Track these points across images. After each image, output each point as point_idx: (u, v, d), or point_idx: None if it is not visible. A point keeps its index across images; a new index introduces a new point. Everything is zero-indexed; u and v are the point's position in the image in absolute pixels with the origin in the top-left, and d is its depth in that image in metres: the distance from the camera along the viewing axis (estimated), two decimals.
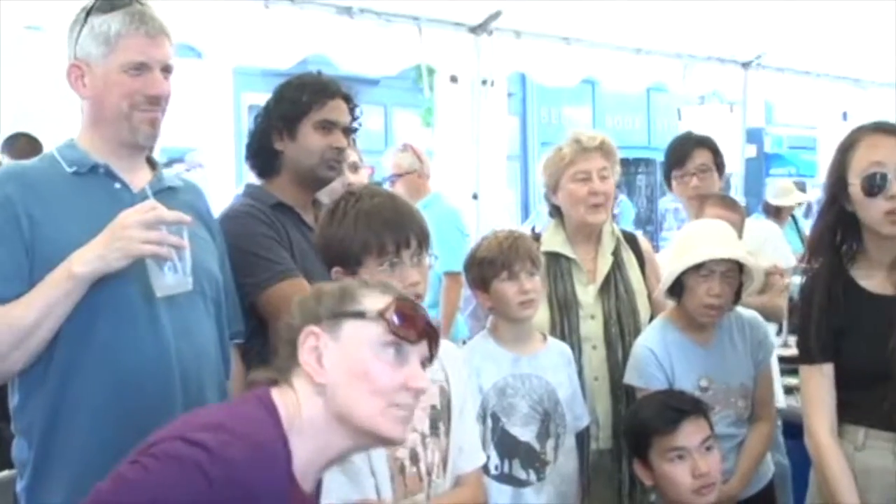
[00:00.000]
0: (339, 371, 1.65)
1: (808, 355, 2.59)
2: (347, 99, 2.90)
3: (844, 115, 8.37)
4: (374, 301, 1.70)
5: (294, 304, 1.77)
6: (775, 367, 3.78)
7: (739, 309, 3.14)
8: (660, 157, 20.76)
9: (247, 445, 1.53)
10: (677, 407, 2.69)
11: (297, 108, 2.82)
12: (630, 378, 3.05)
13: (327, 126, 2.83)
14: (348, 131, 2.91)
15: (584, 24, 6.03)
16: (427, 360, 1.74)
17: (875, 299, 2.51)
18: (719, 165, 4.02)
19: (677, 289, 2.98)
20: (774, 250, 3.94)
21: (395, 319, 1.67)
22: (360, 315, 1.68)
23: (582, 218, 3.26)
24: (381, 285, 1.77)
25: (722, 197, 3.90)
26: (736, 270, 2.96)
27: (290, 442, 1.62)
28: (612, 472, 3.18)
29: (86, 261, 2.09)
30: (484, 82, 5.88)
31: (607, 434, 3.18)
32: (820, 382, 2.55)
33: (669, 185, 4.12)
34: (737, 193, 7.88)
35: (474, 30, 5.71)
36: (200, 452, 1.49)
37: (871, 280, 2.54)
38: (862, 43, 7.18)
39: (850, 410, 2.52)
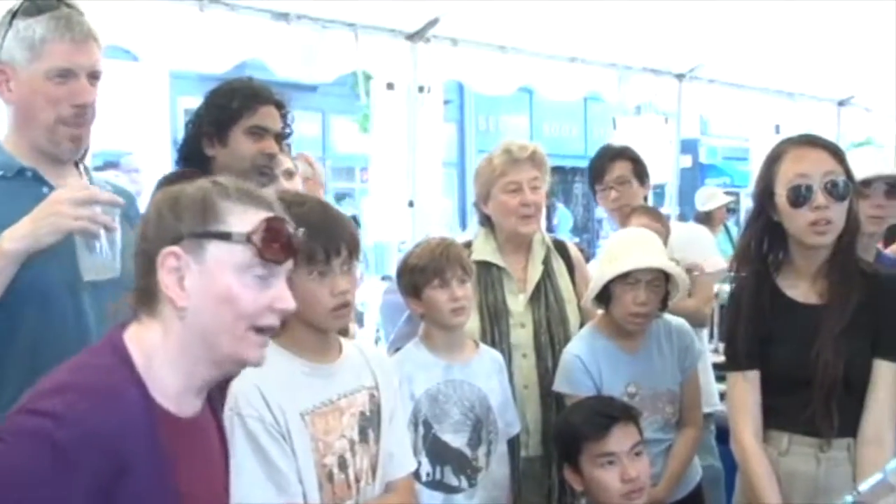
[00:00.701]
0: (202, 295, 1.57)
1: (734, 362, 2.64)
2: (279, 105, 2.89)
3: (777, 128, 8.50)
4: (239, 220, 1.60)
5: (151, 211, 1.65)
6: (711, 371, 3.84)
7: (667, 316, 3.18)
8: None
9: (91, 397, 1.47)
10: (608, 413, 2.71)
11: (228, 114, 2.81)
12: (559, 385, 3.07)
13: (258, 132, 2.81)
14: (280, 137, 2.90)
15: (520, 33, 6.05)
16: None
17: (799, 308, 2.57)
18: (640, 175, 4.06)
19: (605, 297, 3.01)
20: (700, 251, 3.95)
21: (263, 242, 1.59)
22: (226, 237, 1.59)
23: (513, 228, 3.28)
24: (239, 193, 1.65)
25: (646, 208, 3.95)
26: (662, 279, 3.00)
27: (151, 375, 1.56)
28: (541, 479, 3.20)
29: (16, 237, 2.05)
30: (420, 89, 5.89)
31: (537, 441, 3.19)
32: (746, 389, 2.60)
33: (597, 201, 4.19)
34: (670, 203, 8.01)
35: (411, 37, 5.70)
36: (47, 421, 1.44)
37: (796, 289, 2.59)
38: (794, 57, 7.33)
39: (775, 416, 2.58)
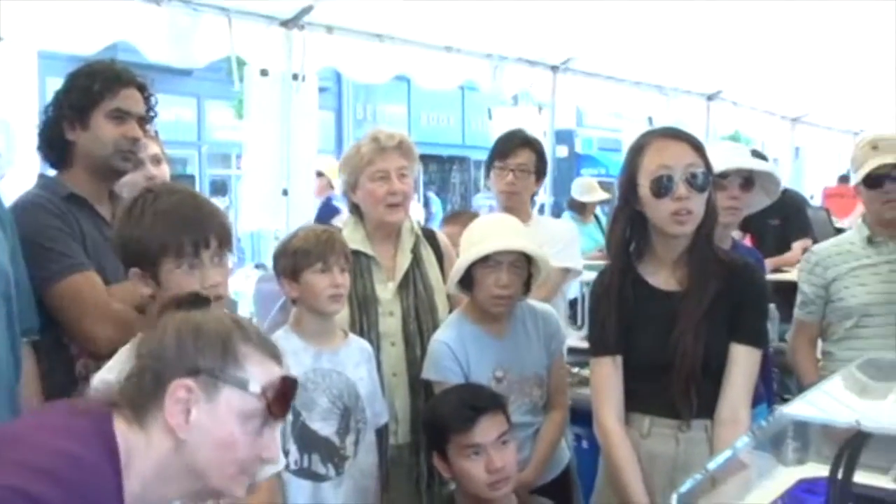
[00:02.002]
0: (204, 433, 1.60)
1: (598, 347, 2.69)
2: (142, 87, 2.81)
3: (650, 120, 8.69)
4: (258, 370, 1.65)
5: (170, 333, 1.67)
6: None
7: (532, 301, 3.23)
8: (473, 155, 21.23)
9: (72, 498, 1.45)
10: (474, 405, 2.73)
11: (89, 96, 2.71)
12: (427, 373, 3.09)
13: (120, 116, 2.73)
14: (144, 121, 2.83)
15: (396, 22, 6.05)
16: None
17: (660, 294, 2.63)
18: (539, 170, 4.05)
19: (468, 282, 3.03)
20: (556, 254, 3.96)
21: (275, 399, 1.64)
22: (243, 385, 1.63)
23: (381, 217, 3.28)
24: (259, 340, 1.71)
25: (459, 214, 3.90)
26: (523, 261, 3.03)
27: (125, 474, 1.55)
28: (410, 466, 3.21)
29: None
30: (295, 77, 5.82)
31: (406, 429, 3.20)
32: (609, 373, 2.65)
33: (489, 175, 4.11)
34: (545, 192, 8.11)
35: (285, 24, 5.62)
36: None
37: (657, 276, 2.66)
38: (666, 53, 7.51)
39: (637, 400, 2.64)
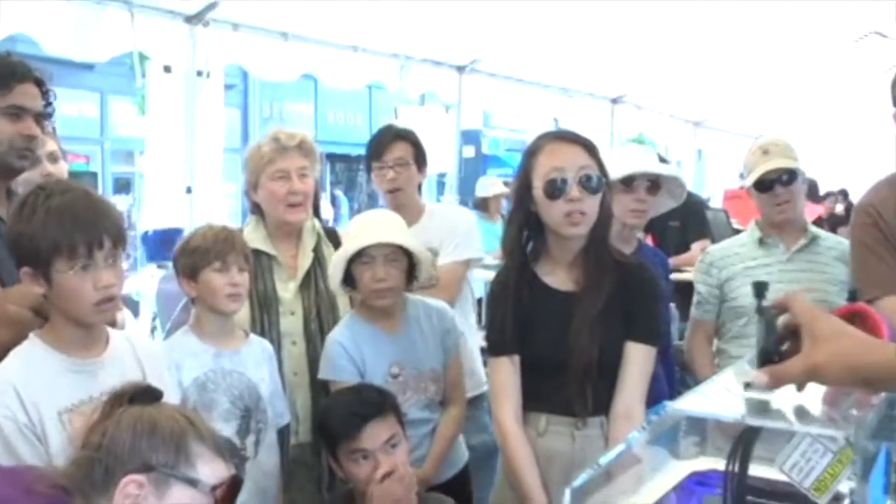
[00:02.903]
0: None
1: (496, 347, 2.71)
2: (39, 82, 2.72)
3: (556, 122, 8.80)
4: (208, 469, 1.69)
5: (124, 428, 1.70)
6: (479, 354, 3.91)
7: (427, 299, 3.25)
8: None
9: None
10: (359, 412, 2.73)
11: None
12: (323, 373, 3.08)
13: (16, 112, 2.63)
14: (41, 117, 2.75)
15: (302, 20, 6.02)
16: None
17: (557, 294, 2.67)
18: (419, 160, 3.94)
19: (351, 280, 3.04)
20: (459, 242, 3.88)
21: (223, 498, 1.69)
22: (193, 484, 1.66)
23: (281, 216, 3.26)
24: (212, 441, 1.74)
25: None
26: (400, 253, 3.03)
27: None
28: (312, 465, 3.20)
29: None
30: (199, 73, 5.73)
31: (307, 428, 3.19)
32: (507, 373, 2.67)
33: (371, 179, 4.01)
34: (451, 192, 8.16)
35: (190, 19, 5.54)
36: None
37: (554, 276, 2.69)
38: (571, 56, 7.62)
39: (534, 398, 2.67)
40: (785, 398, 1.37)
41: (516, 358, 2.67)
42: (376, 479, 2.68)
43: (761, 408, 1.32)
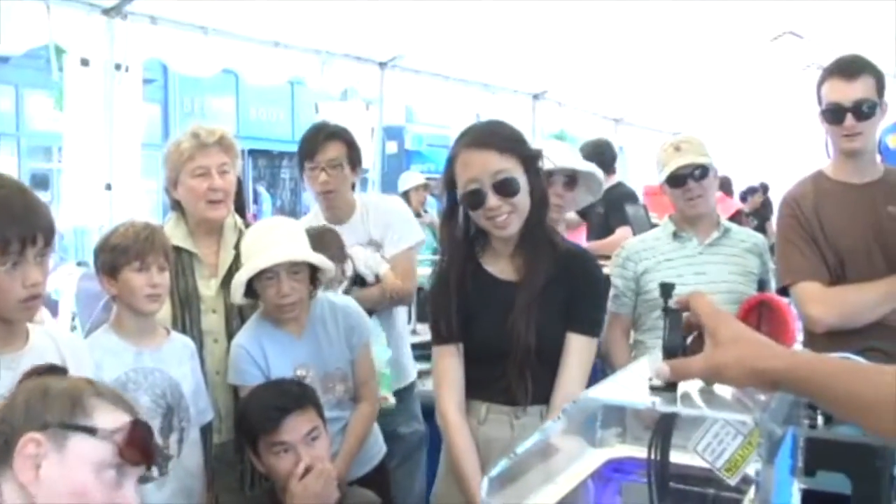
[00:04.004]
0: (56, 486, 1.58)
1: (440, 336, 2.74)
2: None
3: (478, 117, 8.84)
4: (106, 418, 1.64)
5: (20, 397, 1.66)
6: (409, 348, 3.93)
7: (332, 296, 3.27)
8: None
9: None
10: (279, 405, 2.74)
11: None
12: (231, 377, 3.09)
13: None
14: None
15: (222, 15, 5.97)
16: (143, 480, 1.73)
17: (498, 283, 2.70)
18: (353, 160, 3.85)
19: (253, 292, 3.04)
20: (402, 228, 3.94)
21: (126, 442, 1.64)
22: (92, 432, 1.62)
23: (202, 213, 3.24)
24: (112, 396, 1.71)
25: (315, 235, 3.69)
26: (304, 264, 3.04)
27: None
28: (234, 463, 3.19)
29: None
30: (118, 67, 5.65)
31: (229, 426, 3.18)
32: (451, 362, 2.71)
33: (303, 177, 3.94)
34: (374, 188, 8.15)
35: (107, 12, 5.45)
36: None
37: (496, 266, 2.73)
38: (492, 52, 7.66)
39: (476, 387, 2.71)
40: (693, 386, 1.41)
41: (459, 347, 2.70)
42: (296, 475, 2.69)
43: (671, 396, 1.36)
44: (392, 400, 3.58)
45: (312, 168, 3.81)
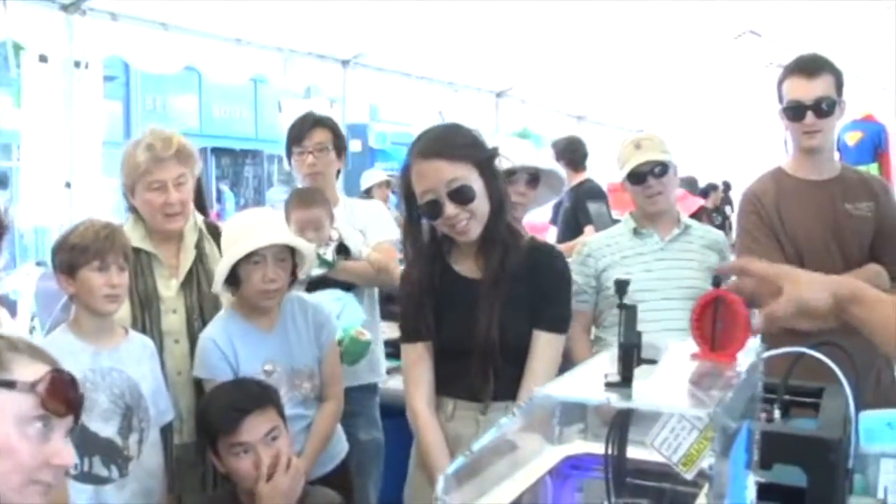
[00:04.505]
0: None
1: (408, 334, 2.76)
2: None
3: (441, 115, 8.84)
4: (24, 371, 1.59)
5: None
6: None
7: (303, 294, 3.27)
8: (267, 149, 20.84)
9: None
10: (238, 406, 2.73)
11: None
12: (197, 371, 3.07)
13: None
14: None
15: (183, 11, 5.93)
16: (70, 432, 1.65)
17: (464, 282, 2.72)
18: (338, 147, 4.02)
19: (234, 279, 3.02)
20: (383, 226, 4.03)
21: (47, 393, 1.58)
22: (10, 385, 1.57)
23: (159, 226, 3.20)
24: (29, 349, 1.66)
25: (304, 194, 3.81)
26: (287, 253, 3.06)
27: None
28: (196, 465, 3.16)
29: None
30: (77, 64, 5.60)
31: (191, 428, 3.14)
32: (420, 359, 2.73)
33: (290, 163, 4.08)
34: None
35: (66, 8, 5.40)
36: None
37: (463, 264, 2.74)
38: (455, 50, 7.67)
39: (444, 384, 2.73)
40: (649, 381, 1.42)
41: (429, 344, 2.72)
42: (263, 476, 2.67)
43: (626, 392, 1.36)
44: (368, 335, 3.60)
45: (301, 152, 3.96)
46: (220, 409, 2.76)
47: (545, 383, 2.60)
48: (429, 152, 2.62)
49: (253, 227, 3.05)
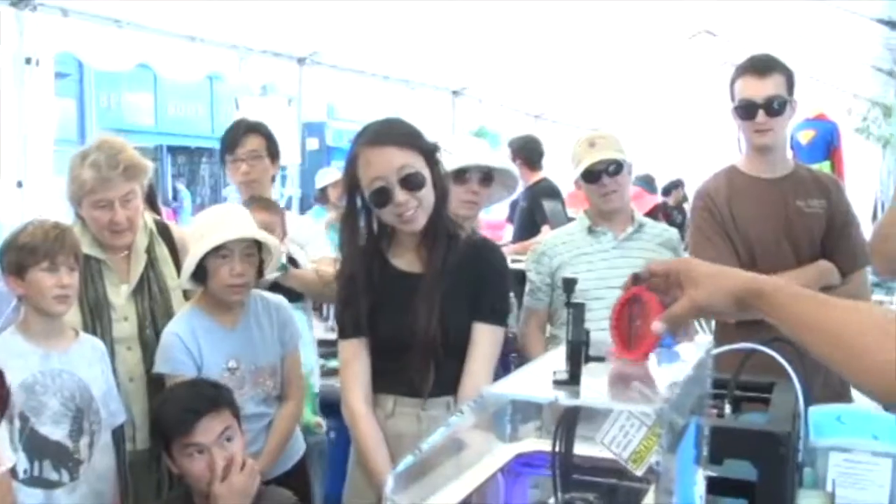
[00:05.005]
0: None
1: (346, 330, 2.73)
2: None
3: (398, 114, 8.82)
4: None
5: None
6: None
7: (266, 293, 3.24)
8: None
9: None
10: (193, 408, 2.70)
11: None
12: (159, 366, 3.03)
13: None
14: None
15: (136, 8, 5.87)
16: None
17: (404, 276, 2.70)
18: (272, 152, 4.00)
19: (201, 274, 3.01)
20: (322, 242, 4.06)
21: None
22: None
23: (105, 241, 3.15)
24: None
25: (264, 201, 3.82)
26: (255, 248, 3.06)
27: None
28: (150, 471, 3.13)
29: None
30: (28, 61, 5.51)
31: (144, 435, 3.11)
32: (357, 356, 2.70)
33: (226, 171, 4.09)
34: (292, 185, 8.10)
35: (16, 3, 5.32)
36: None
37: (402, 259, 2.73)
38: (412, 48, 7.67)
39: (383, 380, 2.70)
40: (594, 381, 1.42)
41: (365, 340, 2.69)
42: (218, 477, 2.65)
43: (575, 390, 1.37)
44: (324, 427, 3.59)
45: (234, 160, 3.94)
46: (175, 410, 2.73)
47: (486, 375, 2.63)
48: (378, 140, 2.63)
49: (220, 222, 3.04)
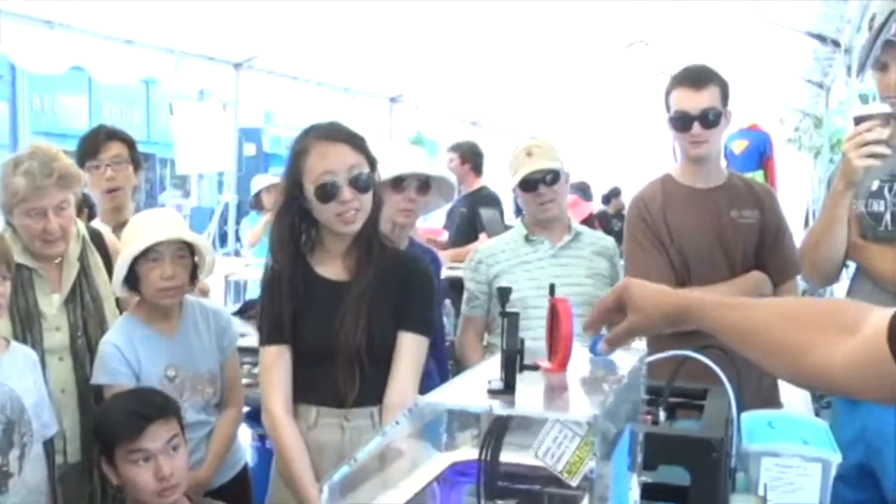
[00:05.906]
0: None
1: (267, 338, 2.71)
2: None
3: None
4: None
5: None
6: None
7: (203, 300, 3.24)
8: (160, 152, 20.51)
9: None
10: (142, 412, 2.67)
11: None
12: (97, 377, 2.99)
13: None
14: None
15: (69, 10, 5.78)
16: None
17: (328, 284, 2.70)
18: (136, 161, 3.92)
19: (133, 280, 2.97)
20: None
21: None
22: None
23: (37, 250, 3.06)
24: None
25: None
26: (187, 250, 3.02)
27: None
28: (82, 485, 3.07)
29: None
30: None
31: (76, 447, 3.05)
32: (277, 363, 2.68)
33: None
34: (229, 191, 8.04)
35: None
36: None
37: (327, 266, 2.73)
38: (349, 55, 7.66)
39: (305, 390, 2.69)
40: (530, 389, 1.43)
41: (286, 348, 2.68)
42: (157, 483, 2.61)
43: (509, 399, 1.37)
44: None
45: (97, 166, 3.80)
46: (122, 415, 2.69)
47: (412, 385, 2.64)
48: (333, 136, 2.66)
49: (150, 225, 3.00)
